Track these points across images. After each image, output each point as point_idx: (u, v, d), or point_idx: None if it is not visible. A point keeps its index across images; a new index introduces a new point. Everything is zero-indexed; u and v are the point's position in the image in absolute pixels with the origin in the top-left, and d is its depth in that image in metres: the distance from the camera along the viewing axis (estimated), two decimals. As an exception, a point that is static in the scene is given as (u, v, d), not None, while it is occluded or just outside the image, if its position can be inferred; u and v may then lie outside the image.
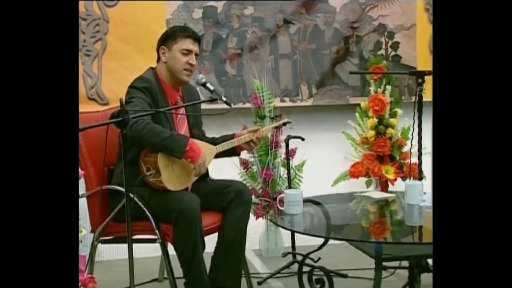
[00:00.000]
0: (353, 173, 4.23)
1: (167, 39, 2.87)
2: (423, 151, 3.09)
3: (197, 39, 2.88)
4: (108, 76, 4.05)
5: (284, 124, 3.19)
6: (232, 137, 2.95)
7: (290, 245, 3.69)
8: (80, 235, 1.91)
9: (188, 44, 2.85)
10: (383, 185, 4.24)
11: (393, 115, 4.29)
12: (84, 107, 3.65)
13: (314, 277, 2.77)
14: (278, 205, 2.83)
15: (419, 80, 2.95)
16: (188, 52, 2.84)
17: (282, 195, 2.82)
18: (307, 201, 2.94)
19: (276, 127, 3.22)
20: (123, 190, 2.29)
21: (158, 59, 2.91)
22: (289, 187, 3.67)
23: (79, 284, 1.86)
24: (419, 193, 2.78)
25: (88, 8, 4.03)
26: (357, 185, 4.20)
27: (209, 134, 3.09)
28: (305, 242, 2.92)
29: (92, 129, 2.18)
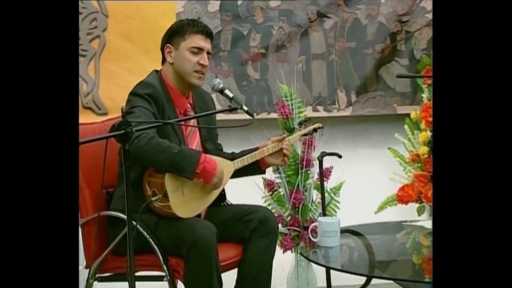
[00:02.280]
0: (402, 197, 4.20)
1: (173, 35, 2.89)
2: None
3: (208, 34, 2.91)
4: (107, 81, 4.08)
5: (315, 130, 3.18)
6: (255, 151, 2.95)
7: (325, 284, 3.67)
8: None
9: (199, 40, 2.87)
10: (438, 213, 4.20)
11: (450, 127, 4.26)
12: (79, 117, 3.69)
13: (354, 324, 2.76)
14: (310, 235, 2.82)
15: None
16: (198, 50, 2.86)
17: (315, 223, 2.81)
18: (345, 231, 2.93)
19: (305, 134, 3.21)
20: (125, 217, 2.30)
21: (164, 60, 2.94)
22: (324, 214, 3.65)
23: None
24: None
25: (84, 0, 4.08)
26: (407, 212, 4.17)
27: (227, 150, 3.10)
28: (343, 281, 2.91)
29: (88, 144, 2.20)
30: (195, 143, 2.91)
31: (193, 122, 2.93)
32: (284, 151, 2.97)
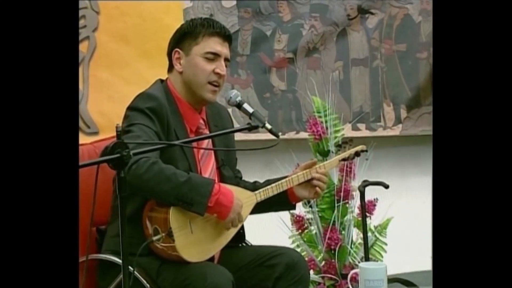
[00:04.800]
0: (464, 238, 4.19)
1: (183, 38, 2.91)
2: None
3: (226, 37, 2.92)
4: (97, 92, 4.10)
5: (357, 154, 3.16)
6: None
7: None
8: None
9: (214, 44, 2.88)
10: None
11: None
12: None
13: None
14: (349, 285, 2.81)
15: None
16: (214, 56, 2.87)
17: (355, 270, 2.80)
18: (394, 280, 2.92)
19: (344, 159, 3.19)
20: (119, 261, 2.31)
21: (171, 68, 2.95)
22: (367, 259, 3.64)
23: None
24: None
25: (71, -7, 4.13)
26: (470, 256, 4.15)
27: (247, 178, 3.11)
28: None
29: (75, 170, 2.22)
30: (209, 169, 2.91)
31: (207, 142, 2.94)
32: (315, 181, 2.95)
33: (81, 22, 4.11)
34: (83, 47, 4.11)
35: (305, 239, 3.97)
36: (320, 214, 3.93)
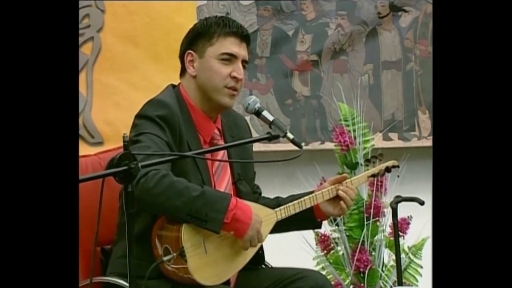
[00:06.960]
0: (508, 260, 4.17)
1: (197, 39, 2.91)
2: None
3: (244, 37, 2.92)
4: (102, 98, 4.11)
5: (388, 169, 3.16)
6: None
7: None
8: None
9: (231, 45, 2.88)
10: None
11: None
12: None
13: None
14: (380, 312, 2.82)
15: None
16: (230, 58, 2.87)
17: (387, 295, 2.80)
18: (429, 306, 2.91)
19: (374, 176, 3.19)
20: (126, 284, 2.31)
21: (183, 72, 2.96)
22: (400, 283, 3.63)
23: None
24: None
25: (73, -10, 4.14)
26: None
27: (267, 193, 3.11)
28: None
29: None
30: (224, 183, 2.91)
31: (222, 154, 2.95)
32: (340, 192, 2.94)
33: (85, 22, 4.12)
34: (86, 49, 4.12)
35: (331, 261, 3.96)
36: (347, 233, 3.93)
